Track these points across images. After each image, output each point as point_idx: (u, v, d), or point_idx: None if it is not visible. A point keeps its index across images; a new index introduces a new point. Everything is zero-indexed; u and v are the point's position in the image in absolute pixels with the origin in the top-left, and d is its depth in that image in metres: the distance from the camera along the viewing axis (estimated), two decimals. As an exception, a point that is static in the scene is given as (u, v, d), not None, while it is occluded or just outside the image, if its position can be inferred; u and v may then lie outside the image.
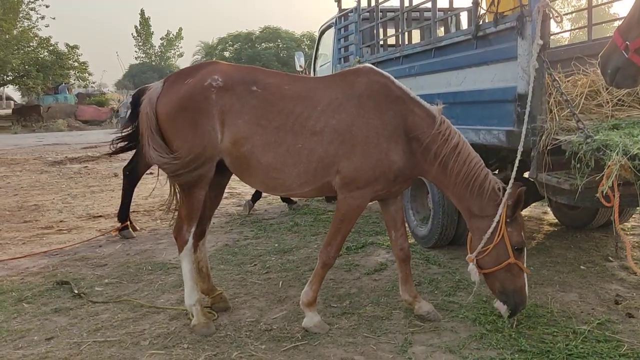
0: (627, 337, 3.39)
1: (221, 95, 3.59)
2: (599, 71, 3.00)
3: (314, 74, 9.50)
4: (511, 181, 3.50)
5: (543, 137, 3.64)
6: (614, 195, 3.00)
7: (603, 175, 3.03)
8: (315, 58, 9.84)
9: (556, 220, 6.39)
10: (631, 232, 5.77)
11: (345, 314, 3.96)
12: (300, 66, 9.90)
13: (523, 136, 3.56)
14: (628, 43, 2.44)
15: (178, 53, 66.81)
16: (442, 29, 8.43)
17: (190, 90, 3.63)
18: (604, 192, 3.02)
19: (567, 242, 5.58)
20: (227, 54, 51.52)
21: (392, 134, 3.53)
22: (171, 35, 65.66)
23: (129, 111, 6.32)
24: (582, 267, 4.80)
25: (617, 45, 2.50)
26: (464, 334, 3.55)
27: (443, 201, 5.10)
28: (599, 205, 3.20)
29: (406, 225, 4.46)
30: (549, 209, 6.62)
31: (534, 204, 6.45)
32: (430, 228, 5.41)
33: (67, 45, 41.65)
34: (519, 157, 3.52)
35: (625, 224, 5.89)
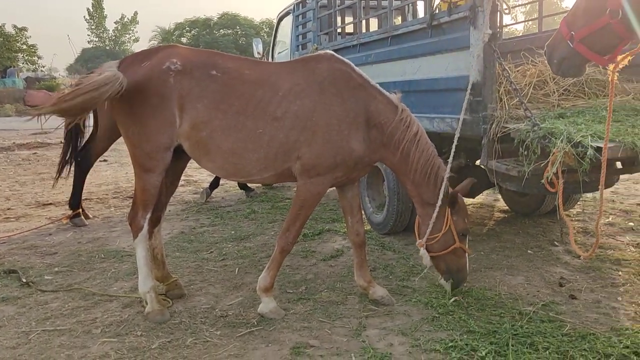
0: (569, 317, 3.54)
1: (180, 79, 3.53)
2: (546, 61, 3.09)
3: (272, 61, 9.45)
4: (448, 167, 3.64)
5: (493, 125, 3.74)
6: (558, 182, 3.13)
7: (548, 162, 3.15)
8: (274, 45, 9.78)
9: (506, 207, 6.59)
10: (576, 218, 6.00)
11: (301, 299, 3.99)
12: (259, 53, 9.83)
13: (460, 122, 3.65)
14: (573, 33, 2.52)
15: (133, 38, 65.19)
16: (400, 17, 8.50)
17: (148, 74, 3.55)
18: (549, 179, 3.15)
19: (516, 227, 5.77)
20: (184, 39, 50.55)
21: (353, 121, 3.56)
22: (126, 19, 63.91)
23: None
24: (529, 251, 4.97)
25: (563, 36, 2.58)
26: (416, 317, 3.63)
27: (398, 188, 5.19)
28: (545, 192, 3.32)
29: (362, 212, 4.51)
30: (500, 196, 6.80)
31: (486, 192, 6.63)
32: (386, 215, 5.49)
33: (14, 27, 40.00)
34: (455, 142, 3.63)
35: (571, 210, 6.12)
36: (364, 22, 6.81)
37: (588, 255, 3.27)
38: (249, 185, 8.03)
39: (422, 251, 3.79)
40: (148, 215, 3.73)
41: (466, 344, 3.15)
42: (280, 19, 9.47)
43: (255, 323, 3.59)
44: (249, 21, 52.11)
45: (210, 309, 3.85)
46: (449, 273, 3.79)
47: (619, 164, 3.95)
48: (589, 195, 6.44)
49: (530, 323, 3.42)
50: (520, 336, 3.21)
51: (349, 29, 7.78)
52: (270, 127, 3.51)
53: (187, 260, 4.97)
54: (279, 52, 9.43)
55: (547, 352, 3.03)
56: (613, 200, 6.81)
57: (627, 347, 3.04)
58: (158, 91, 3.51)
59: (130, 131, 3.63)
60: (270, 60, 9.64)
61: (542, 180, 3.21)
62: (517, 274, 4.39)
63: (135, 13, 65.24)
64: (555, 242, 5.19)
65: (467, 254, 3.81)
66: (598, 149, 3.02)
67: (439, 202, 3.62)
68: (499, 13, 5.18)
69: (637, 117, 3.66)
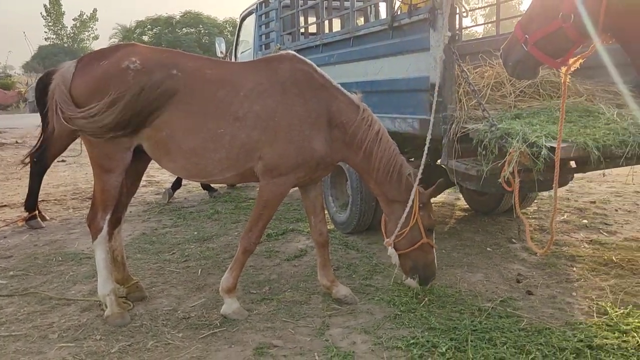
0: (526, 312, 3.64)
1: (139, 78, 3.47)
2: (502, 64, 3.16)
3: (236, 61, 9.39)
4: (421, 167, 3.68)
5: (453, 126, 3.81)
6: (514, 181, 3.21)
7: (505, 161, 3.23)
8: (237, 44, 9.72)
9: (467, 206, 6.72)
10: (533, 216, 6.17)
11: (265, 299, 3.98)
12: (221, 52, 9.75)
13: (431, 124, 3.70)
14: (527, 36, 2.59)
15: (93, 35, 63.73)
16: (362, 18, 8.57)
17: (105, 73, 3.48)
18: (506, 178, 3.23)
19: (475, 226, 5.89)
20: (146, 38, 49.63)
21: (315, 121, 3.57)
22: (85, 17, 62.43)
23: (35, 100, 6.03)
24: (488, 249, 5.09)
25: (517, 39, 2.65)
26: (379, 315, 3.67)
27: (361, 188, 5.23)
28: (502, 191, 3.41)
29: (326, 211, 4.53)
30: (461, 195, 6.93)
31: (447, 190, 6.75)
32: (349, 214, 5.53)
33: (-34, 23, 38.57)
34: (427, 144, 3.68)
35: (527, 208, 6.29)
36: (326, 22, 6.83)
37: (544, 252, 3.36)
38: (212, 185, 7.96)
39: (390, 250, 3.82)
40: (108, 217, 3.67)
41: (427, 341, 3.21)
42: (243, 19, 9.42)
43: (218, 324, 3.57)
44: (212, 20, 51.56)
45: (172, 311, 3.80)
46: (417, 269, 3.80)
47: (572, 164, 4.08)
48: (545, 193, 6.63)
49: (489, 319, 3.50)
50: (479, 332, 3.29)
51: (312, 29, 7.80)
52: (231, 127, 3.50)
53: (148, 262, 4.90)
54: (242, 52, 9.38)
55: (505, 346, 3.11)
56: (568, 199, 7.02)
57: (581, 340, 3.15)
58: (117, 90, 3.44)
59: (89, 131, 3.55)
60: (233, 59, 9.58)
61: (500, 180, 3.29)
62: (477, 271, 4.49)
63: (95, 10, 63.92)
64: (513, 240, 5.32)
65: (434, 250, 3.83)
66: (552, 149, 3.11)
67: (410, 203, 3.65)
68: (458, 15, 5.31)
69: (589, 118, 3.80)
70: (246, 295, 4.08)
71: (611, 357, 2.96)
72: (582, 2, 2.33)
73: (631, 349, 3.05)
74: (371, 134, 3.66)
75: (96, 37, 63.76)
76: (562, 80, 2.72)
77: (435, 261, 3.85)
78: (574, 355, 3.00)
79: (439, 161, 4.32)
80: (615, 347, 3.08)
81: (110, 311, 3.61)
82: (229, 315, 3.66)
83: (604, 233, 5.49)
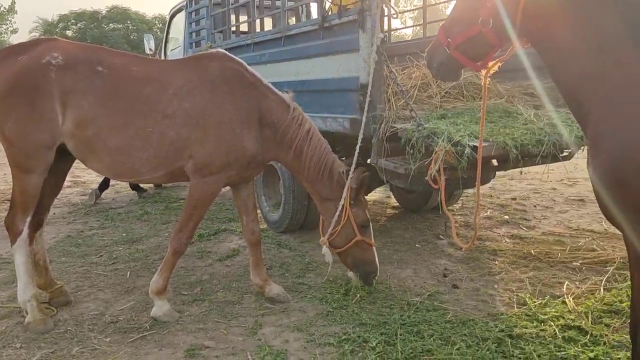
0: (452, 305, 3.79)
1: (62, 74, 3.34)
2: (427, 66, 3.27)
3: (165, 59, 9.18)
4: (353, 166, 3.74)
5: (382, 125, 3.91)
6: (440, 179, 3.34)
7: (431, 160, 3.35)
8: (166, 42, 9.51)
9: (397, 204, 6.89)
10: (458, 213, 6.42)
11: (196, 300, 3.93)
12: (150, 49, 9.48)
13: (363, 124, 3.78)
14: (450, 40, 2.69)
15: (11, 29, 60.06)
16: (294, 18, 8.59)
17: (25, 68, 3.34)
18: (432, 176, 3.35)
19: (405, 223, 6.05)
20: (69, 33, 47.40)
21: (245, 119, 3.56)
22: (2, 9, 58.92)
23: None
24: (417, 245, 5.25)
25: (440, 42, 2.75)
26: (311, 313, 3.71)
27: (294, 187, 5.25)
28: (429, 188, 3.53)
29: (258, 210, 4.50)
30: (391, 194, 7.10)
31: (378, 189, 6.90)
32: (282, 213, 5.54)
33: None
34: (359, 143, 3.75)
35: (454, 205, 6.54)
36: (258, 21, 6.81)
37: (468, 247, 3.52)
38: (141, 185, 7.75)
39: (324, 249, 3.88)
40: (28, 219, 3.51)
41: (358, 336, 3.28)
42: (172, 15, 9.22)
43: (148, 327, 3.49)
44: (140, 16, 49.93)
45: (99, 315, 3.68)
46: (356, 266, 3.87)
47: (494, 162, 4.27)
48: (469, 191, 6.89)
49: (417, 313, 3.62)
50: (408, 325, 3.39)
51: (244, 27, 7.75)
52: (160, 125, 3.44)
53: (74, 265, 4.71)
54: (172, 50, 9.18)
55: (432, 338, 3.22)
56: (490, 196, 7.35)
57: (502, 330, 3.31)
58: (37, 86, 3.31)
59: (7, 128, 3.39)
60: (163, 57, 9.36)
61: (427, 177, 3.41)
62: (406, 267, 4.62)
63: (13, 2, 60.28)
64: (440, 236, 5.51)
65: (373, 247, 3.88)
66: (474, 148, 3.25)
67: (342, 201, 3.70)
68: (387, 17, 5.44)
69: (509, 119, 4.00)
70: (177, 296, 4.01)
71: (530, 346, 3.13)
72: (500, 8, 2.45)
73: (548, 337, 3.24)
74: (301, 133, 3.70)
75: (15, 31, 60.10)
76: (483, 83, 2.84)
77: (376, 258, 3.89)
78: (495, 344, 3.15)
79: (369, 160, 4.41)
80: (534, 335, 3.26)
81: (32, 318, 3.45)
82: (160, 317, 3.59)
83: (524, 228, 5.79)
